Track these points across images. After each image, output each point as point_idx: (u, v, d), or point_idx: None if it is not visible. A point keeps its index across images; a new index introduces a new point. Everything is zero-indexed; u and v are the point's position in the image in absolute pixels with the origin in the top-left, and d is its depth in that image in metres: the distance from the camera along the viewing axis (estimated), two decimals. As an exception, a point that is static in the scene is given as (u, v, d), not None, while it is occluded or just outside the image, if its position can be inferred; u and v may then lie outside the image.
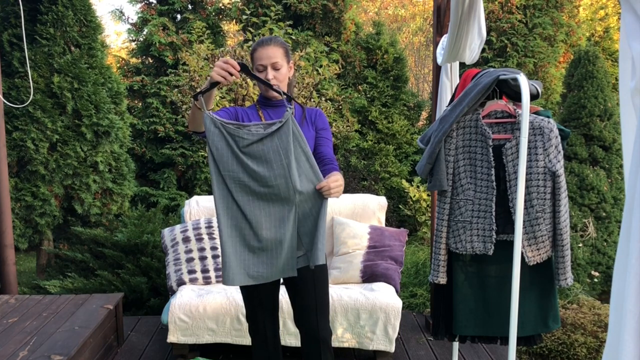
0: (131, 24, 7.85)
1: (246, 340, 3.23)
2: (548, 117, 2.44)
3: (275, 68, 2.19)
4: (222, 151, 1.97)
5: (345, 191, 5.98)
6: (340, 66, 7.44)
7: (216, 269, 3.63)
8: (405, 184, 6.77)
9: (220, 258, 3.66)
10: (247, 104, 5.17)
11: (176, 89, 6.10)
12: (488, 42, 7.14)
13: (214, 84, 1.97)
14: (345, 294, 3.30)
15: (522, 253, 2.40)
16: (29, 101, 4.69)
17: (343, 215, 3.90)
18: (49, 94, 5.08)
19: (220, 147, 1.97)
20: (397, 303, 3.23)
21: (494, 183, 2.41)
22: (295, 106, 2.33)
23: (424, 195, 6.54)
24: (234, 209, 2.01)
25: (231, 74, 1.95)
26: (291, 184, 1.97)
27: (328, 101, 5.94)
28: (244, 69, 1.99)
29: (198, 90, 2.04)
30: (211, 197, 4.03)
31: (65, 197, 5.24)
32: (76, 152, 5.13)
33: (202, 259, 3.64)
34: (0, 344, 2.75)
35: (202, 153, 6.52)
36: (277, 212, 2.00)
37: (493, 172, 2.41)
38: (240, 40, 8.14)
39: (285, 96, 2.09)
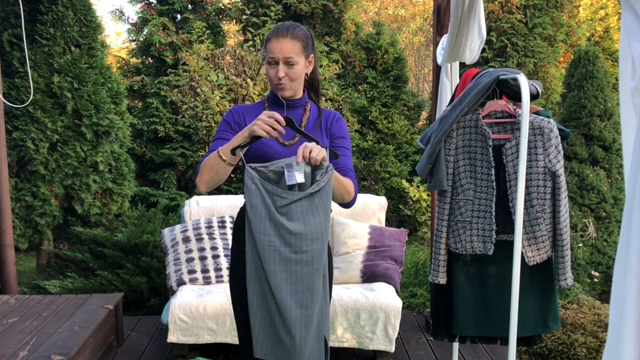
0: (131, 24, 7.85)
1: (246, 340, 3.23)
2: (548, 117, 2.44)
3: (288, 64, 1.91)
4: (256, 210, 1.75)
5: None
6: (340, 66, 7.44)
7: (216, 269, 3.63)
8: (405, 184, 6.77)
9: (220, 258, 3.66)
10: (247, 103, 5.17)
11: (176, 89, 6.10)
12: (488, 42, 7.14)
13: (255, 139, 1.78)
14: (345, 294, 3.30)
15: (522, 253, 2.40)
16: (29, 101, 4.69)
17: (343, 215, 3.90)
18: (49, 94, 5.08)
19: (255, 205, 1.76)
20: (397, 303, 3.23)
21: (494, 183, 2.41)
22: (312, 107, 2.06)
23: (424, 195, 6.54)
24: (262, 277, 1.77)
25: (275, 129, 1.75)
26: (325, 253, 1.76)
27: (328, 101, 5.94)
28: (289, 123, 1.79)
29: (234, 143, 1.82)
30: (211, 197, 4.03)
31: (65, 197, 5.24)
32: (76, 152, 5.12)
33: (202, 259, 3.64)
34: (0, 344, 2.75)
35: (202, 153, 6.53)
36: (305, 288, 1.74)
37: (493, 172, 2.41)
38: (240, 40, 8.14)
39: (333, 153, 1.82)
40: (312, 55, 1.99)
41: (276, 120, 1.74)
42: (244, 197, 1.77)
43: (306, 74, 1.99)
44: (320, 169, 1.75)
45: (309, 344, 1.76)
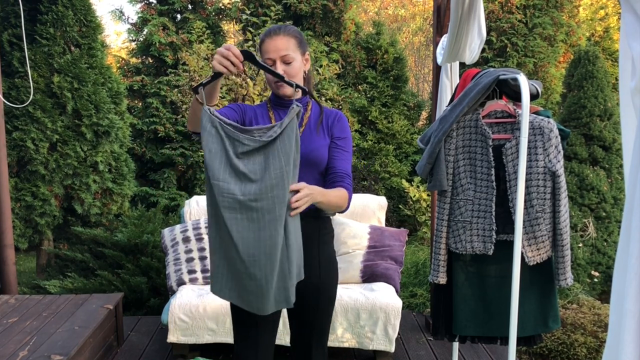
0: (131, 24, 7.85)
1: (246, 340, 3.23)
2: (548, 117, 2.44)
3: (286, 62, 1.86)
4: (215, 155, 1.67)
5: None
6: (340, 66, 7.44)
7: (216, 269, 3.63)
8: (405, 184, 6.78)
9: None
10: (247, 104, 5.17)
11: (176, 89, 6.10)
12: (488, 42, 7.14)
13: (217, 75, 1.72)
14: (345, 294, 3.30)
15: (522, 253, 2.40)
16: (29, 101, 4.69)
17: (343, 215, 3.90)
18: (49, 94, 5.08)
19: (214, 150, 1.67)
20: (397, 303, 3.23)
21: (494, 183, 2.41)
22: (313, 105, 2.01)
23: (424, 195, 6.54)
24: (221, 224, 1.69)
25: (234, 64, 1.67)
26: (286, 198, 1.66)
27: (328, 101, 5.94)
28: (248, 57, 1.71)
29: (199, 82, 1.78)
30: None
31: (65, 197, 5.24)
32: (76, 152, 5.13)
33: (202, 259, 3.64)
34: (0, 344, 2.75)
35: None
36: (267, 236, 1.65)
37: (493, 172, 2.41)
38: (240, 40, 8.14)
39: (298, 89, 1.78)
40: (307, 52, 1.95)
41: (235, 55, 1.67)
42: (202, 141, 1.68)
43: (304, 72, 1.94)
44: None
45: (274, 285, 1.69)
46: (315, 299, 1.97)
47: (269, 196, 1.64)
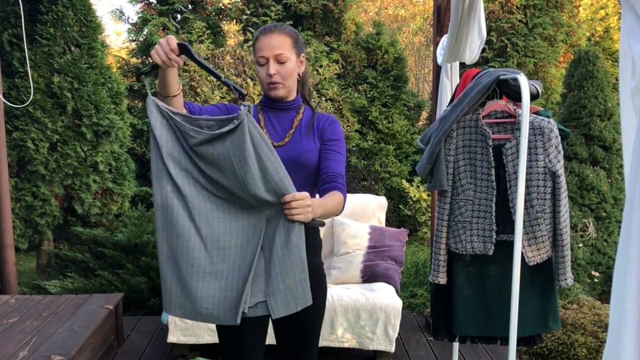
0: (131, 24, 7.85)
1: (246, 340, 3.23)
2: (548, 117, 2.44)
3: (280, 61, 1.78)
4: (170, 143, 1.57)
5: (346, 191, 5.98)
6: (340, 66, 7.44)
7: (216, 269, 3.62)
8: (405, 184, 6.78)
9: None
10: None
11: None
12: (488, 42, 7.14)
13: (155, 66, 1.60)
14: (345, 294, 3.30)
15: (522, 253, 2.40)
16: (29, 101, 4.69)
17: (343, 215, 3.90)
18: (49, 94, 5.08)
19: (166, 137, 1.57)
20: (397, 303, 3.23)
21: (494, 183, 2.41)
22: (306, 109, 1.93)
23: (424, 195, 6.54)
24: (181, 217, 1.56)
25: (170, 58, 1.54)
26: (251, 199, 1.54)
27: (328, 101, 5.94)
28: (184, 51, 1.57)
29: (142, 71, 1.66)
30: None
31: (65, 197, 5.24)
32: (76, 152, 5.12)
33: (202, 259, 3.63)
34: (0, 344, 2.75)
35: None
36: (242, 226, 1.56)
37: (493, 172, 2.41)
38: (240, 40, 8.14)
39: (237, 92, 1.59)
40: (302, 54, 1.87)
41: (172, 49, 1.53)
42: (150, 130, 1.58)
43: (298, 74, 1.88)
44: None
45: (236, 293, 1.56)
46: (301, 315, 1.86)
47: (234, 192, 1.57)
